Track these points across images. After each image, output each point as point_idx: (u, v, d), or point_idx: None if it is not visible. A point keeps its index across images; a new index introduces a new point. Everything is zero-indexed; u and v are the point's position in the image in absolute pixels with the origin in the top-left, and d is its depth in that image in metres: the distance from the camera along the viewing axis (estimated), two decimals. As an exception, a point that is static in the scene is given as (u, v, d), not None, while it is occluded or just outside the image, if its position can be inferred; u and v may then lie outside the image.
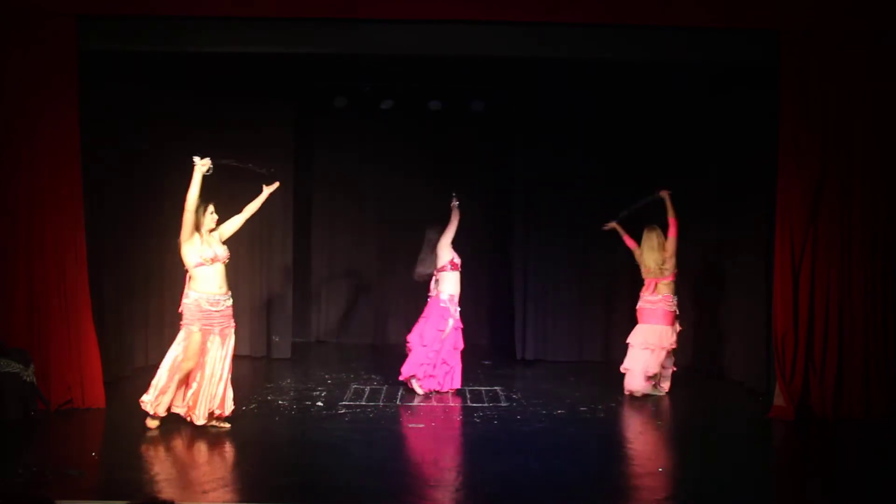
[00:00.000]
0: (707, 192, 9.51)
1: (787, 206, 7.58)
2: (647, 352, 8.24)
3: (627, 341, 8.45)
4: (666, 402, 8.23)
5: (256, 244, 10.19)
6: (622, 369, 8.40)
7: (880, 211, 7.52)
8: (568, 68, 9.10)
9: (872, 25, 7.44)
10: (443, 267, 8.41)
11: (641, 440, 7.14)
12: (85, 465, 5.97)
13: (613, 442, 6.98)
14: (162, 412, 6.82)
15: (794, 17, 7.44)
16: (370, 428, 7.08)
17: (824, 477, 6.14)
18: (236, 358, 9.70)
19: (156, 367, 6.93)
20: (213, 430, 6.86)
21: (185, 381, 6.82)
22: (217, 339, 6.83)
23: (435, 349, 8.26)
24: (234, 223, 7.09)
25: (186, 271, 6.84)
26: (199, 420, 6.80)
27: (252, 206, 7.18)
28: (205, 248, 6.77)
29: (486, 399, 8.16)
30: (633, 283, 10.32)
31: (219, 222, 6.97)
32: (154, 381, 6.81)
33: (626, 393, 8.30)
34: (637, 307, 8.46)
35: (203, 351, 6.78)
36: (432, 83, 10.14)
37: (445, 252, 8.42)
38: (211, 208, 6.91)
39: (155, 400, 6.78)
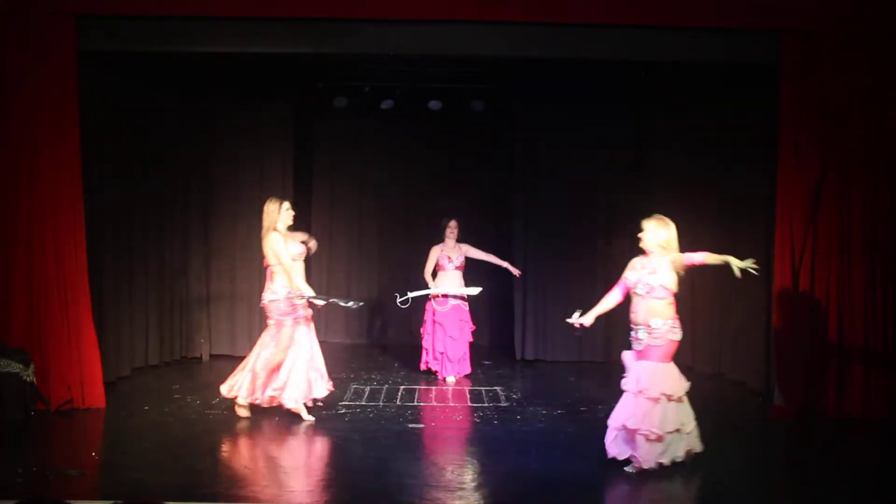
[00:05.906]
0: (707, 191, 9.50)
1: (787, 206, 7.59)
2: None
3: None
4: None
5: (256, 244, 10.14)
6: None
7: (880, 211, 7.52)
8: (568, 68, 9.08)
9: (872, 26, 7.44)
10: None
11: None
12: (85, 465, 5.97)
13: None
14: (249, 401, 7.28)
15: (794, 17, 7.44)
16: (370, 428, 7.08)
17: (824, 477, 6.13)
18: (235, 358, 9.85)
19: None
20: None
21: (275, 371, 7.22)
22: (301, 328, 7.29)
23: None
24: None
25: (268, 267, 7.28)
26: (290, 402, 7.20)
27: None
28: (290, 245, 7.27)
29: (486, 399, 8.16)
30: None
31: None
32: (243, 377, 7.25)
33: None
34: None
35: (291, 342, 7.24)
36: (432, 83, 10.13)
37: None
38: (287, 205, 7.27)
39: (248, 395, 7.22)
